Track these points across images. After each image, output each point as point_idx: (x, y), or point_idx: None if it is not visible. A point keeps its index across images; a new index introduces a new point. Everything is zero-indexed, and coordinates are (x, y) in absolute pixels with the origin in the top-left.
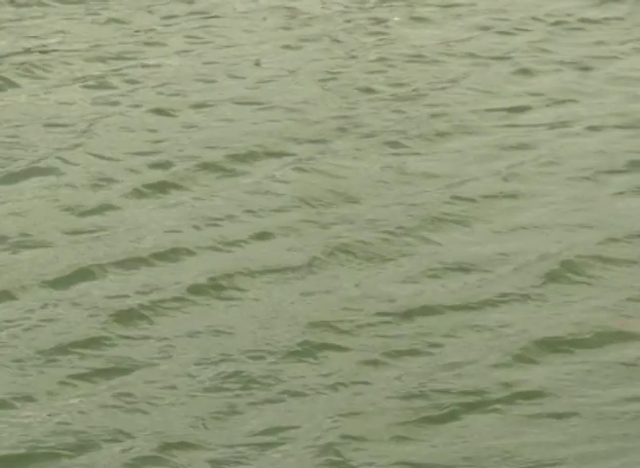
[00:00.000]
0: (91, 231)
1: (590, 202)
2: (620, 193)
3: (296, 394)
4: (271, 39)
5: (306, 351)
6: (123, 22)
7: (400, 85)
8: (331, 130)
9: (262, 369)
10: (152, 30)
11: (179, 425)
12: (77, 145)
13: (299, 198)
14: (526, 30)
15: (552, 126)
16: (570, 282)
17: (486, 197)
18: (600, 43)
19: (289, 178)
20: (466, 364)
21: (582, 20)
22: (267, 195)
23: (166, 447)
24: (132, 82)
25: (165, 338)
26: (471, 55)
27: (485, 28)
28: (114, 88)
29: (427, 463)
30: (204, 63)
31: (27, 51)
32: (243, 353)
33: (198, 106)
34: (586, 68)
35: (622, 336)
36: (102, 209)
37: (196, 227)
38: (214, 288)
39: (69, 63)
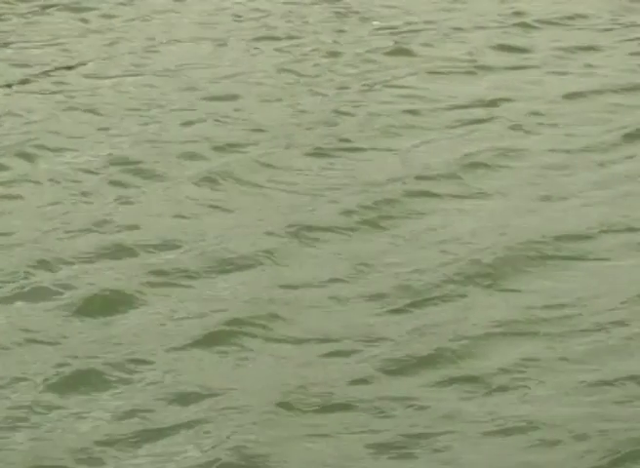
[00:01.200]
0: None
1: (541, 201)
2: (574, 192)
3: (214, 392)
4: (226, 38)
5: (228, 348)
6: (84, 22)
7: (349, 85)
8: (276, 131)
9: (185, 365)
10: (111, 29)
11: (109, 422)
12: (23, 143)
13: (233, 200)
14: (482, 28)
15: (503, 124)
16: (510, 276)
17: (434, 194)
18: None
19: (225, 183)
20: (396, 360)
21: (534, 22)
22: (202, 199)
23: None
24: (77, 81)
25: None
26: (423, 55)
27: (440, 28)
28: (54, 88)
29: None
30: (156, 63)
31: None
32: (172, 351)
33: (145, 109)
34: (535, 67)
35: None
36: (45, 208)
37: (134, 227)
38: (153, 284)
39: (28, 61)
